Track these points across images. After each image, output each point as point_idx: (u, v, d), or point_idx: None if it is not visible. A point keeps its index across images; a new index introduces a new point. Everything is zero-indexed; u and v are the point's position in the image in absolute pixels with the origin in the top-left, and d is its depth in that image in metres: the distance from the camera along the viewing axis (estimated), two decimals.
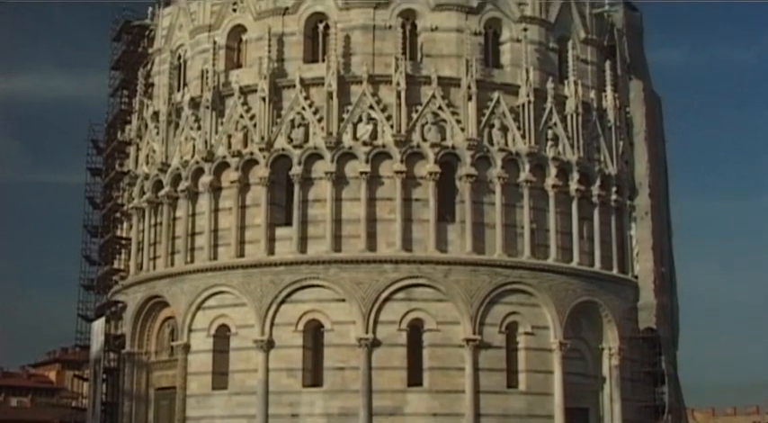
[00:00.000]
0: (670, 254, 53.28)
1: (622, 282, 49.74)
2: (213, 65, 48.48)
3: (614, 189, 50.22)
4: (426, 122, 46.37)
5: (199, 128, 48.47)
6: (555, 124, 48.36)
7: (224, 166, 47.57)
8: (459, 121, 46.51)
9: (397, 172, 45.75)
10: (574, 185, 48.35)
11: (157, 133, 50.22)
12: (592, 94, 50.48)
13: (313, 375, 45.07)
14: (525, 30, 48.59)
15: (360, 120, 46.34)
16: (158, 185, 49.88)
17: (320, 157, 46.23)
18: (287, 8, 48.37)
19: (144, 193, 50.74)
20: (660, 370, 49.78)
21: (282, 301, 45.27)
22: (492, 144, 46.87)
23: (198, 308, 46.90)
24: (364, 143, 46.03)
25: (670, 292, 52.23)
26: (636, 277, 50.28)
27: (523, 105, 47.53)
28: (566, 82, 49.44)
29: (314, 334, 45.29)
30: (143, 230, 50.88)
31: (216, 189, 47.69)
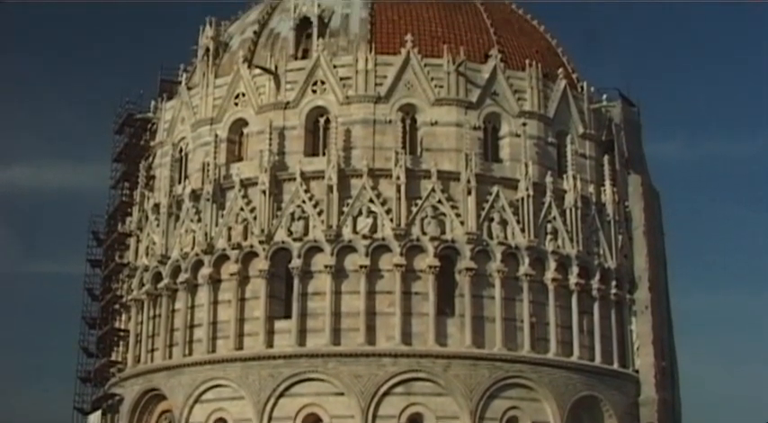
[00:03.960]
0: (671, 348, 52.97)
1: (623, 376, 49.40)
2: (214, 158, 48.84)
3: (614, 283, 50.14)
4: (426, 216, 46.54)
5: (199, 220, 48.64)
6: (554, 218, 48.53)
7: (224, 258, 47.62)
8: (458, 215, 46.70)
9: (396, 265, 45.78)
10: (573, 279, 48.34)
11: (158, 225, 50.38)
12: (591, 189, 50.76)
13: None
14: (524, 124, 49.05)
15: (360, 213, 46.53)
16: (158, 277, 49.86)
17: (320, 250, 46.32)
18: (288, 102, 48.89)
19: (143, 285, 50.69)
20: None
21: (281, 395, 44.94)
22: (491, 238, 47.00)
23: (196, 401, 46.55)
24: (364, 236, 46.15)
25: (671, 386, 51.79)
26: (637, 372, 49.90)
27: (523, 199, 47.76)
28: (564, 176, 49.74)
29: None
30: (141, 322, 50.71)
31: (215, 281, 47.67)
